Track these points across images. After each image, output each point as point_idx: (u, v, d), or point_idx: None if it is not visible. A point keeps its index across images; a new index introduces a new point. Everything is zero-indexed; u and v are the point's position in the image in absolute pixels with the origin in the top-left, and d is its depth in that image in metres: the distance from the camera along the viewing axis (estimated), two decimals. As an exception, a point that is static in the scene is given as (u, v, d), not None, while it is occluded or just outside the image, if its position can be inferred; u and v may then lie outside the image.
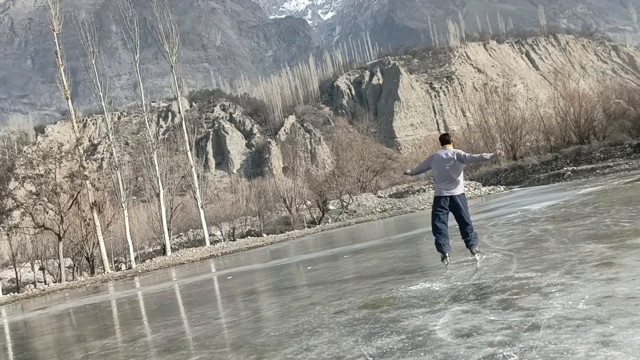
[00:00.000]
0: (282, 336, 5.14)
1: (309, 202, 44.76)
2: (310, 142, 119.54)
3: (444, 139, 7.97)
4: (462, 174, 7.71)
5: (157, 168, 33.91)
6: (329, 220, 39.41)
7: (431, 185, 42.21)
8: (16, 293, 28.20)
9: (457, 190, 7.59)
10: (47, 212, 30.59)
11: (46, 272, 38.46)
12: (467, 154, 7.72)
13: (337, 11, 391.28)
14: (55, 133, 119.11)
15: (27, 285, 33.60)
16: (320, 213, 41.30)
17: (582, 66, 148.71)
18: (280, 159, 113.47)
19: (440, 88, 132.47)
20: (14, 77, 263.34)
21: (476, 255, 7.66)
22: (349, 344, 4.32)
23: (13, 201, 31.37)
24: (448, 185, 7.61)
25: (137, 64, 36.25)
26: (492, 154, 7.76)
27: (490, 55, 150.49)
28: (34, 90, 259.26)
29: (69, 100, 31.45)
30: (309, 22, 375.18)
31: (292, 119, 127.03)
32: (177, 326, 7.15)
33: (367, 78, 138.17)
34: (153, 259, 32.65)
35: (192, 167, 36.21)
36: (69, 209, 30.80)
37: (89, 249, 33.09)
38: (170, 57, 36.40)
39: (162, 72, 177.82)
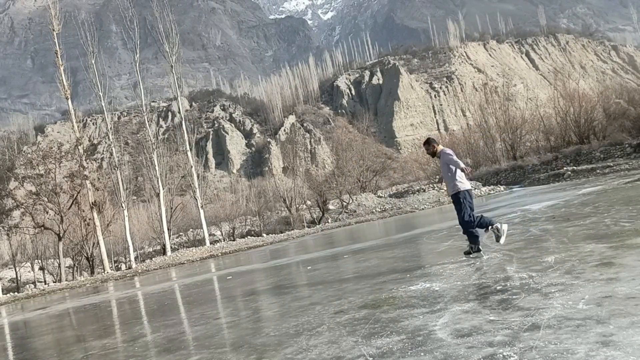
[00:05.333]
0: (282, 336, 5.14)
1: (309, 202, 44.77)
2: (310, 142, 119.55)
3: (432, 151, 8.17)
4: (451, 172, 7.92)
5: (157, 168, 33.90)
6: (329, 220, 39.41)
7: (430, 186, 42.20)
8: (16, 293, 28.20)
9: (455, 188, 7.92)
10: (47, 212, 30.58)
11: (46, 272, 38.46)
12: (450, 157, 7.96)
13: (337, 11, 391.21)
14: (55, 133, 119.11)
15: (27, 285, 33.60)
16: (320, 213, 41.29)
17: (582, 66, 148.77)
18: (280, 159, 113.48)
19: (440, 88, 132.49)
20: (14, 77, 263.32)
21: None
22: (349, 344, 4.32)
23: (13, 201, 31.36)
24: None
25: (137, 64, 36.24)
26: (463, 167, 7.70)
27: (490, 55, 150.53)
28: (34, 90, 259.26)
29: (69, 100, 31.44)
30: (309, 22, 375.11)
31: (292, 119, 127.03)
32: (177, 326, 7.15)
33: (367, 78, 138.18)
34: (153, 259, 32.65)
35: (192, 167, 36.20)
36: (69, 208, 30.80)
37: (89, 248, 33.09)
38: (170, 57, 36.39)
39: (162, 72, 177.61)
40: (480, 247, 7.89)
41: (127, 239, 31.93)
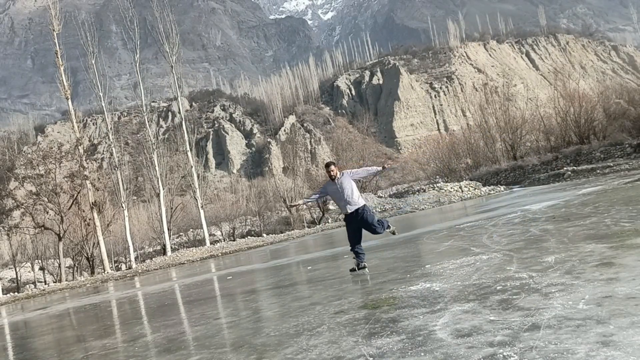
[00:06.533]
0: (282, 336, 5.14)
1: (309, 202, 44.73)
2: (310, 142, 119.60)
3: (330, 175, 8.53)
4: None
5: (157, 168, 33.91)
6: (329, 220, 39.42)
7: (430, 186, 42.24)
8: (16, 293, 28.22)
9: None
10: (47, 212, 30.58)
11: (46, 272, 38.48)
12: (354, 171, 8.88)
13: (337, 11, 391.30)
14: (55, 133, 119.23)
15: (27, 285, 33.62)
16: (320, 213, 41.30)
17: (582, 66, 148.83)
18: (280, 159, 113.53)
19: (440, 88, 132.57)
20: (14, 77, 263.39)
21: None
22: (349, 344, 4.32)
23: (13, 201, 31.37)
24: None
25: (137, 64, 36.25)
26: (380, 167, 9.27)
27: (490, 55, 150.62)
28: (34, 90, 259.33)
29: (69, 100, 31.46)
30: (309, 22, 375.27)
31: (292, 119, 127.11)
32: (177, 326, 7.15)
33: (367, 78, 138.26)
34: (153, 259, 32.66)
35: (192, 167, 36.21)
36: (69, 209, 30.80)
37: (89, 249, 33.11)
38: (170, 57, 36.40)
39: (162, 72, 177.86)
40: (365, 264, 8.54)
41: (127, 239, 31.95)
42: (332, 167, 8.54)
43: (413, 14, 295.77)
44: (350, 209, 8.35)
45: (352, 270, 8.58)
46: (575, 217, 10.21)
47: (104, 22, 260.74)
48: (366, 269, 8.46)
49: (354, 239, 8.43)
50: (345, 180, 8.43)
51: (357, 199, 8.41)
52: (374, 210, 9.16)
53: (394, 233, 8.92)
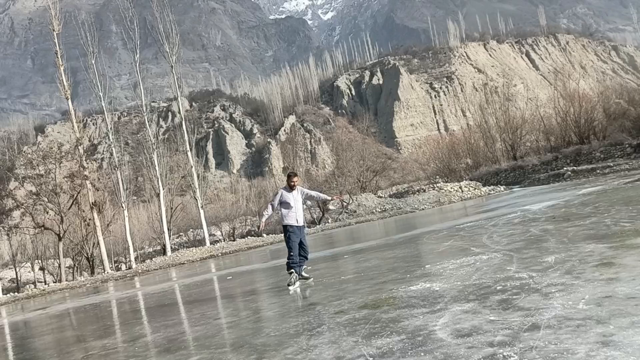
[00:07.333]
0: (282, 336, 5.14)
1: (309, 203, 44.75)
2: (310, 142, 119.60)
3: (291, 184, 8.87)
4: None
5: (157, 168, 33.88)
6: (329, 220, 39.39)
7: (430, 186, 42.23)
8: (16, 293, 28.19)
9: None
10: (47, 212, 30.56)
11: (46, 272, 38.46)
12: (308, 193, 9.37)
13: (337, 11, 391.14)
14: (55, 133, 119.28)
15: (27, 285, 33.59)
16: (320, 213, 41.27)
17: (582, 66, 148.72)
18: (280, 159, 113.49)
19: (440, 88, 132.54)
20: (14, 77, 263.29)
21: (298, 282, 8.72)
22: (349, 344, 4.32)
23: (13, 201, 31.34)
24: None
25: (137, 64, 36.21)
26: (330, 198, 10.43)
27: (490, 55, 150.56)
28: (34, 90, 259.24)
29: (69, 100, 31.42)
30: (309, 22, 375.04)
31: (292, 119, 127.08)
32: (177, 326, 7.15)
33: (367, 78, 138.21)
34: (153, 259, 32.63)
35: (192, 167, 36.18)
36: (69, 209, 30.79)
37: (89, 249, 33.09)
38: (170, 57, 36.36)
39: (162, 72, 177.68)
40: (300, 275, 8.79)
41: (127, 239, 31.91)
42: (296, 178, 8.98)
43: (413, 14, 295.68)
44: (300, 221, 8.80)
45: (291, 284, 8.54)
46: (575, 217, 10.21)
47: (104, 22, 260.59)
48: (297, 283, 8.54)
49: (297, 249, 8.65)
50: (300, 195, 8.91)
51: (301, 215, 8.94)
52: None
53: (306, 278, 8.79)
